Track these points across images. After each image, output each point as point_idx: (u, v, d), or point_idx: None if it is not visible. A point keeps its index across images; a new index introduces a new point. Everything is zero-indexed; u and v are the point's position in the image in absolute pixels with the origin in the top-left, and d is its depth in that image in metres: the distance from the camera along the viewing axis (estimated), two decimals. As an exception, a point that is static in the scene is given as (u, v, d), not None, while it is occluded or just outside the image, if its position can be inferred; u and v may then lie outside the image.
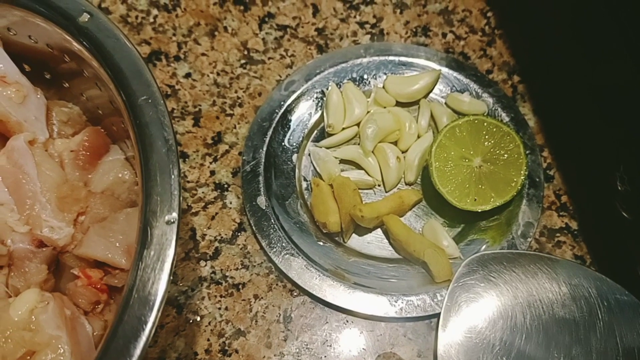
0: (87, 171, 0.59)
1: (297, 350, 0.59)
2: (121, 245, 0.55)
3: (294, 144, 0.68)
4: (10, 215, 0.55)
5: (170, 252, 0.43)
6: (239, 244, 0.64)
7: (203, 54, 0.74)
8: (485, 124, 0.62)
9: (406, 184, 0.67)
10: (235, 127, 0.70)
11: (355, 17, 0.76)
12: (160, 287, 0.42)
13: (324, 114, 0.68)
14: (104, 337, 0.42)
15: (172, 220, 0.44)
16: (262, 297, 0.62)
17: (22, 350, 0.48)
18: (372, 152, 0.66)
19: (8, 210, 0.55)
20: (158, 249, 0.43)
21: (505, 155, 0.62)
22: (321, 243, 0.64)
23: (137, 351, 0.40)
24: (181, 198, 0.45)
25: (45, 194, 0.55)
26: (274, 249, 0.62)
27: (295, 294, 0.62)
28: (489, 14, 0.77)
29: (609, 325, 0.55)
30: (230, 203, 0.66)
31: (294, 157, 0.67)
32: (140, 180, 0.46)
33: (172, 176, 0.45)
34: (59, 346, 0.49)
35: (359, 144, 0.67)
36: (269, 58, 0.73)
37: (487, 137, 0.62)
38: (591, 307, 0.56)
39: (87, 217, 0.57)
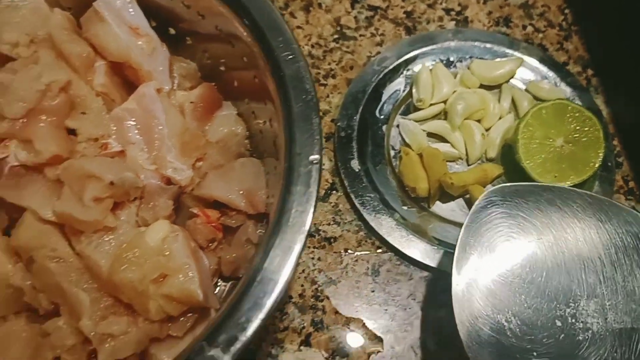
0: (204, 123, 0.64)
1: (384, 300, 0.65)
2: (239, 189, 0.60)
3: (384, 116, 0.73)
4: (140, 155, 0.59)
5: (314, 189, 0.48)
6: (331, 202, 0.69)
7: (298, 27, 0.79)
8: (569, 107, 0.67)
9: (487, 160, 0.72)
10: (328, 97, 0.75)
11: (441, 3, 0.81)
12: (307, 218, 0.47)
13: (413, 90, 0.74)
14: (253, 262, 0.47)
15: (315, 161, 0.49)
16: (352, 251, 0.67)
17: (157, 273, 0.52)
18: (458, 127, 0.71)
19: (138, 149, 0.60)
20: (304, 185, 0.48)
21: (585, 138, 0.67)
22: (406, 207, 0.69)
23: (287, 273, 0.45)
24: (322, 142, 0.50)
25: (171, 139, 0.60)
26: (366, 208, 0.67)
27: (383, 250, 0.67)
28: (567, 11, 0.82)
29: (638, 264, 0.53)
30: (324, 165, 0.71)
31: (384, 127, 0.73)
32: (283, 127, 0.51)
33: (314, 122, 0.51)
34: (189, 272, 0.53)
35: (444, 120, 0.73)
36: (360, 35, 0.79)
37: (570, 120, 0.67)
38: (618, 244, 0.54)
39: (205, 164, 0.62)
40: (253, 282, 0.45)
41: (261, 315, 0.44)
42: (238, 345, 0.43)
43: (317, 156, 0.49)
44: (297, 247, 0.46)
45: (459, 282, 0.53)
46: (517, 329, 0.52)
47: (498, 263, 0.54)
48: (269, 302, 0.44)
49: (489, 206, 0.55)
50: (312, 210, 0.47)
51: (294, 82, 0.52)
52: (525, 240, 0.54)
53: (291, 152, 0.49)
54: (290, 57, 0.53)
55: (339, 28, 0.79)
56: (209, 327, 0.45)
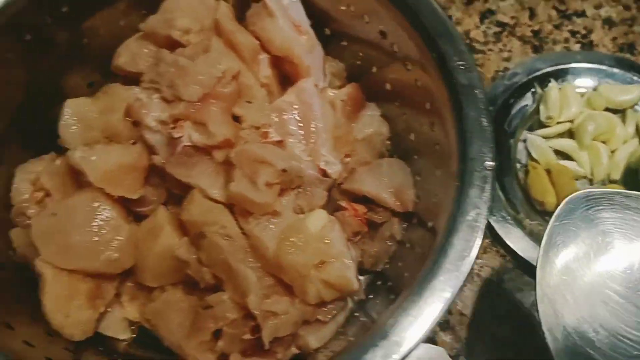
0: (351, 121, 0.67)
1: (508, 308, 0.67)
2: (389, 186, 0.63)
3: (511, 129, 0.76)
4: (298, 146, 0.62)
5: (488, 192, 0.51)
6: (458, 208, 0.72)
7: (428, 37, 0.81)
8: (700, 137, 0.69)
9: (609, 181, 0.74)
10: (456, 106, 0.77)
11: (567, 26, 0.84)
12: (482, 219, 0.49)
13: (541, 107, 0.76)
14: (428, 260, 0.49)
15: (490, 167, 0.52)
16: (478, 257, 0.69)
17: (318, 259, 0.55)
18: (586, 147, 0.73)
19: (296, 140, 0.62)
20: (479, 189, 0.51)
21: None
22: (529, 220, 0.71)
23: (467, 268, 0.48)
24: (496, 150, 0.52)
25: (325, 133, 0.63)
26: (495, 217, 0.69)
27: (507, 259, 0.69)
28: (689, 43, 0.84)
29: None
30: (451, 171, 0.74)
31: (511, 140, 0.75)
32: (455, 132, 0.54)
33: (487, 130, 0.53)
34: (346, 260, 0.56)
35: (570, 139, 0.75)
36: (489, 50, 0.81)
37: (699, 149, 0.69)
38: None
39: (353, 160, 0.65)
40: (436, 276, 0.47)
41: (443, 306, 0.46)
42: (421, 332, 0.46)
43: (492, 163, 0.52)
44: (476, 243, 0.48)
45: (541, 286, 0.50)
46: (607, 341, 0.48)
47: (579, 270, 0.51)
48: (451, 293, 0.47)
49: (572, 212, 0.52)
50: (486, 212, 0.50)
51: (468, 90, 0.55)
52: (610, 249, 0.51)
53: (465, 157, 0.52)
54: (464, 66, 0.55)
55: (468, 41, 0.81)
56: (392, 310, 0.47)
